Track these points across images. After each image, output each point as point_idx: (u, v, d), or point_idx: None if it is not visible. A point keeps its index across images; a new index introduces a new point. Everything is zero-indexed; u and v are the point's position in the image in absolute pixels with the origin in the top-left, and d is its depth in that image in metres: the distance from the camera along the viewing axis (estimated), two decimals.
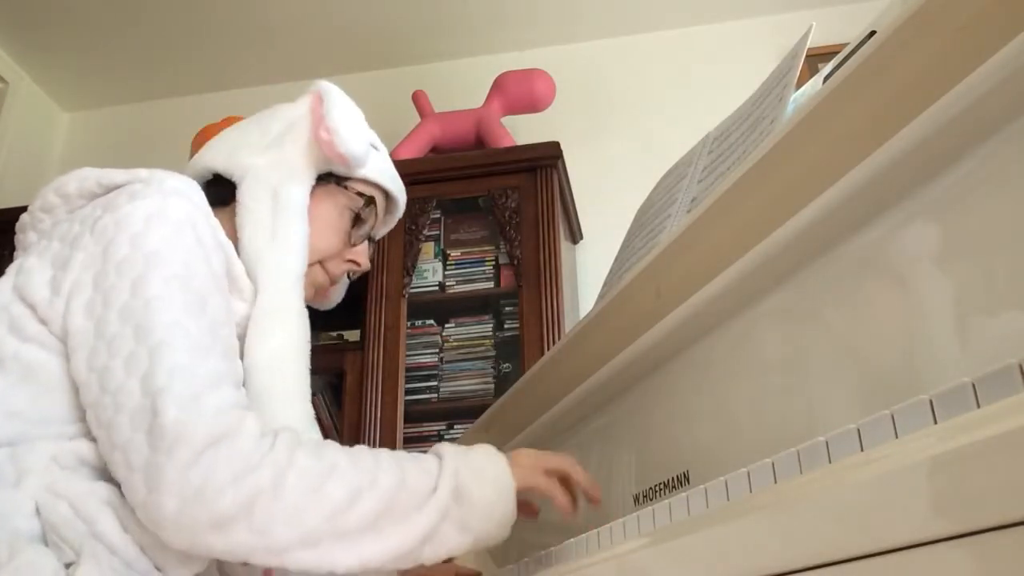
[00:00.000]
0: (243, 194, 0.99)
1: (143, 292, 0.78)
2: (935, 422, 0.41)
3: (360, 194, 1.07)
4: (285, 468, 0.74)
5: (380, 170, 1.08)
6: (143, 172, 0.89)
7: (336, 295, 1.15)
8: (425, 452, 0.85)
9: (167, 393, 0.73)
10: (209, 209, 0.91)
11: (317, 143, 1.01)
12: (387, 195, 1.12)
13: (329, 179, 1.04)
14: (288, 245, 0.97)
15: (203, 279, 0.83)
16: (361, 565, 0.76)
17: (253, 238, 0.96)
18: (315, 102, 1.04)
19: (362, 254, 1.09)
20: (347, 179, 1.06)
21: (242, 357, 0.91)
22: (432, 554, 0.79)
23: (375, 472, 0.78)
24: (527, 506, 0.89)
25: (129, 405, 0.74)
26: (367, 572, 0.77)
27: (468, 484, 0.81)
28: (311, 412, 0.96)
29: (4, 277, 0.86)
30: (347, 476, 0.77)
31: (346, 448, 0.81)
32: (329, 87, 1.05)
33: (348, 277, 1.12)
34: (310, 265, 1.02)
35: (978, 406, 0.39)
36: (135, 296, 0.78)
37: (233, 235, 0.96)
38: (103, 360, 0.77)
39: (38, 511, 0.73)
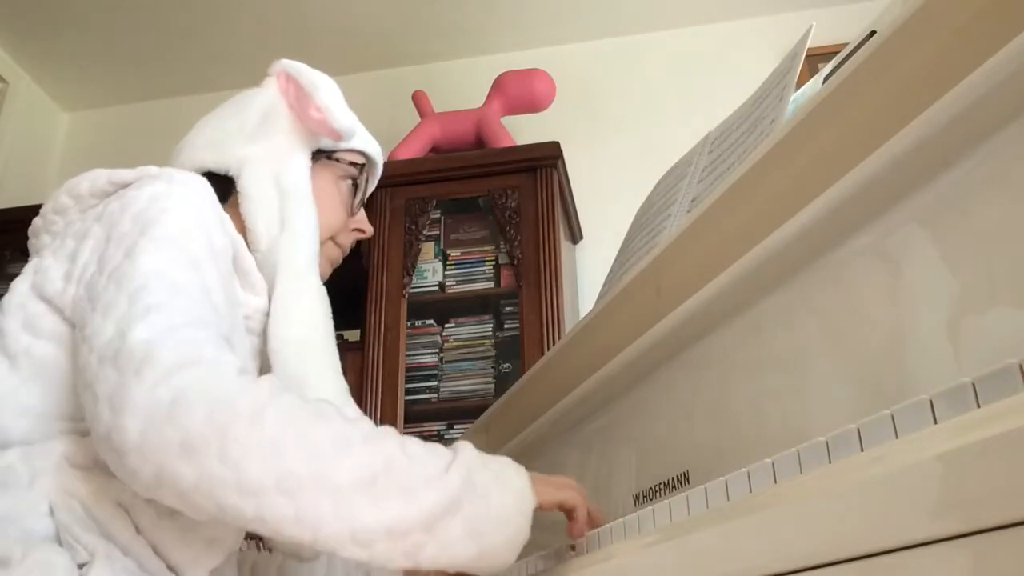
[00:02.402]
0: (246, 185, 0.99)
1: (132, 252, 0.78)
2: (935, 422, 0.41)
3: (352, 163, 1.08)
4: (266, 402, 0.68)
5: (363, 135, 1.09)
6: (153, 169, 0.90)
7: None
8: None
9: (139, 321, 0.70)
10: (218, 204, 0.91)
11: (303, 123, 1.02)
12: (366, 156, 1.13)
13: (319, 155, 1.05)
14: (299, 230, 0.98)
15: (199, 247, 0.82)
16: (349, 532, 0.66)
17: (266, 228, 0.97)
18: (284, 82, 1.04)
19: (364, 221, 1.11)
20: (334, 151, 1.07)
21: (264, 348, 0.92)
22: (432, 555, 0.69)
23: (372, 434, 0.71)
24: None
25: (100, 342, 0.71)
26: (356, 550, 0.67)
27: (486, 483, 0.73)
28: (345, 387, 0.96)
29: (21, 277, 0.86)
30: (336, 425, 0.69)
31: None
32: (295, 65, 1.04)
33: None
34: (322, 243, 1.03)
35: (978, 406, 0.39)
36: (126, 257, 0.78)
37: (241, 228, 0.97)
38: (87, 315, 0.76)
39: (52, 511, 0.73)
